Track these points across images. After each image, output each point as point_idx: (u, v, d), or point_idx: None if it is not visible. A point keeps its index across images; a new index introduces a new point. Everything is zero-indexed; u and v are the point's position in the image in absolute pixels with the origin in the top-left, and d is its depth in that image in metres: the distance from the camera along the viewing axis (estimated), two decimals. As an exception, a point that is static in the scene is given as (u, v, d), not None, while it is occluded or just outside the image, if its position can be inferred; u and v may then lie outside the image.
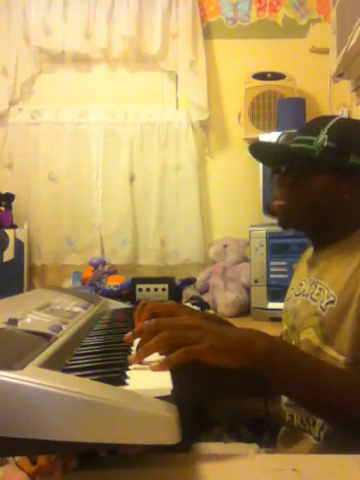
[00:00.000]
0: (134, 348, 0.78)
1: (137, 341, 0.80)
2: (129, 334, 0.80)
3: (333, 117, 0.96)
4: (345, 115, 2.03)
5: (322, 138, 0.91)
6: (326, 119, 0.95)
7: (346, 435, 0.77)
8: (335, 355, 0.83)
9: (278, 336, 1.03)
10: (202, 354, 0.68)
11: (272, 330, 1.05)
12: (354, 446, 0.67)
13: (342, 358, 0.81)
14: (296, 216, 0.97)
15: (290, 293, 1.06)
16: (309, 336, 0.89)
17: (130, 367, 0.67)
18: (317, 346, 0.86)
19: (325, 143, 0.90)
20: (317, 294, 0.91)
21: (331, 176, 0.92)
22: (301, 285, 1.00)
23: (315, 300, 0.91)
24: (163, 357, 0.68)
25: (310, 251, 1.05)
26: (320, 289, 0.91)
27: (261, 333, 0.74)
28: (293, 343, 0.95)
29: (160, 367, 0.65)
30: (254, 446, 1.03)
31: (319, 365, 0.77)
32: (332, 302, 0.86)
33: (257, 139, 2.01)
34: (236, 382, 0.95)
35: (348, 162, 0.89)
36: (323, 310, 0.87)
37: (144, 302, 1.02)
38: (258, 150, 1.03)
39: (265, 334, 0.74)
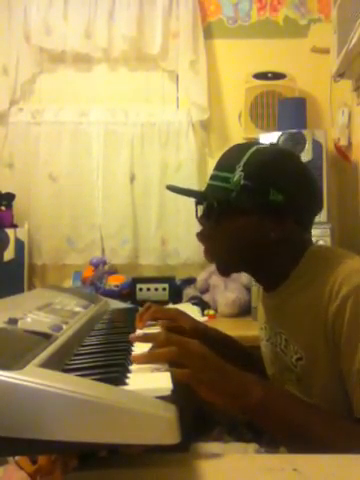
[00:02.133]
0: (134, 348, 0.79)
1: (138, 343, 0.80)
2: (136, 336, 0.80)
3: (249, 148, 0.88)
4: (346, 115, 2.03)
5: (238, 175, 0.85)
6: (241, 151, 0.88)
7: None
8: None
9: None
10: (200, 386, 0.69)
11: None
12: None
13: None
14: (222, 258, 0.92)
15: (261, 332, 1.02)
16: (293, 390, 0.88)
17: (130, 367, 0.67)
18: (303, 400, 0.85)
19: (241, 181, 0.85)
20: (285, 346, 0.88)
21: (252, 215, 0.86)
22: (265, 329, 0.97)
23: (285, 353, 0.88)
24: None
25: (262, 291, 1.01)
26: (286, 340, 0.88)
27: (258, 381, 0.74)
28: None
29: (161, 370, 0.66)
30: (254, 446, 1.03)
31: (312, 414, 0.76)
32: (301, 359, 0.84)
33: (256, 138, 2.01)
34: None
35: (268, 199, 0.84)
36: (295, 366, 0.85)
37: (148, 305, 1.02)
38: (176, 191, 0.98)
39: (261, 382, 0.74)
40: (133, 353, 0.72)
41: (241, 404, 0.72)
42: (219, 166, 0.92)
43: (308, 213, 0.91)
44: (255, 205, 0.85)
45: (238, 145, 0.95)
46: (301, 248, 0.90)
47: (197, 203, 0.96)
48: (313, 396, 0.83)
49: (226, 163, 0.90)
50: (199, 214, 0.95)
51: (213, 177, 0.92)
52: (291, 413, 0.75)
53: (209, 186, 0.93)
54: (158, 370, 0.66)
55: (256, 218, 0.86)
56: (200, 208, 0.95)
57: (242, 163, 0.86)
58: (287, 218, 0.86)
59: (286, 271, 0.89)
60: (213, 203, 0.89)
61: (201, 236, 0.94)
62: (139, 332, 0.92)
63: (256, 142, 0.91)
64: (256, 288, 1.90)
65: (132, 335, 0.81)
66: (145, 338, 0.78)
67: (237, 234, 0.88)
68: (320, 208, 0.94)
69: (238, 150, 0.91)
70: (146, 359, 0.69)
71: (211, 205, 0.89)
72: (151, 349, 0.72)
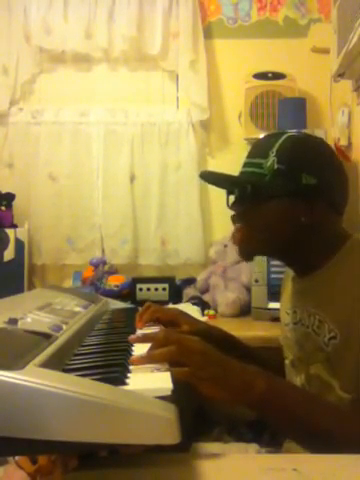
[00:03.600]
0: (135, 349, 0.79)
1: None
2: (135, 336, 0.80)
3: (281, 135, 0.91)
4: (346, 115, 2.03)
5: (271, 161, 0.87)
6: (274, 138, 0.91)
7: None
8: (340, 392, 0.82)
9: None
10: (201, 383, 0.69)
11: (272, 330, 1.05)
12: None
13: (346, 396, 0.80)
14: (255, 245, 0.93)
15: (286, 318, 1.02)
16: (319, 371, 0.87)
17: (130, 367, 0.67)
18: (327, 381, 0.85)
19: (275, 166, 0.87)
20: (318, 327, 0.88)
21: (285, 199, 0.88)
22: (295, 313, 0.97)
23: (317, 334, 0.88)
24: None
25: (292, 275, 1.01)
26: (320, 321, 0.87)
27: (260, 373, 0.74)
28: (303, 375, 0.93)
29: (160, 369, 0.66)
30: (254, 446, 1.03)
31: (315, 405, 0.76)
32: (334, 338, 0.83)
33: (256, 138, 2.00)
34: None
35: (300, 183, 0.86)
36: (326, 345, 0.85)
37: (148, 304, 1.02)
38: (208, 179, 0.99)
39: (264, 374, 0.74)
40: (132, 356, 0.72)
41: (244, 398, 0.72)
42: (252, 154, 0.94)
43: (340, 198, 0.92)
44: (288, 189, 0.87)
45: (270, 134, 0.98)
46: (338, 234, 0.91)
47: (229, 193, 0.97)
48: (340, 376, 0.83)
49: (259, 150, 0.92)
50: (231, 202, 0.96)
51: (246, 164, 0.93)
52: (295, 405, 0.75)
53: (242, 173, 0.94)
54: (158, 370, 0.66)
55: (289, 202, 0.88)
56: (231, 198, 0.96)
57: (275, 149, 0.88)
58: (319, 203, 0.87)
59: (322, 257, 0.89)
60: (247, 187, 0.90)
61: (234, 219, 0.95)
62: (138, 333, 0.92)
63: (288, 130, 0.93)
64: (256, 288, 1.90)
65: (131, 336, 0.81)
66: (144, 338, 0.79)
67: (270, 218, 0.89)
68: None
69: (270, 138, 0.93)
70: (145, 361, 0.69)
71: (244, 189, 0.90)
72: (150, 349, 0.72)
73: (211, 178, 1.00)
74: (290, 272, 1.03)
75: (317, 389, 0.88)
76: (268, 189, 0.88)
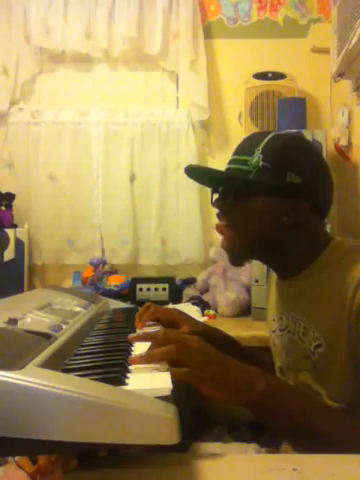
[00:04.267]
0: (135, 349, 0.79)
1: (138, 343, 0.80)
2: (134, 335, 0.80)
3: (267, 134, 0.91)
4: (346, 115, 2.03)
5: (257, 158, 0.87)
6: (260, 137, 0.91)
7: None
8: (328, 402, 0.82)
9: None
10: (200, 383, 0.69)
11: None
12: None
13: (335, 405, 0.80)
14: (240, 244, 0.92)
15: (272, 325, 1.02)
16: (306, 379, 0.88)
17: (130, 367, 0.67)
18: (316, 390, 0.85)
19: (260, 163, 0.86)
20: (303, 334, 0.88)
21: (269, 197, 0.87)
22: (281, 319, 0.97)
23: (303, 341, 0.88)
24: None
25: (276, 279, 1.00)
26: (305, 328, 0.87)
27: (260, 373, 0.74)
28: (291, 382, 0.93)
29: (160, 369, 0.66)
30: (253, 445, 1.03)
31: (313, 407, 0.76)
32: (320, 346, 0.83)
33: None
34: None
35: (285, 182, 0.85)
36: (313, 354, 0.85)
37: (148, 304, 1.02)
38: (193, 173, 0.98)
39: (264, 374, 0.74)
40: (131, 355, 0.72)
41: (244, 398, 0.71)
42: (237, 151, 0.93)
43: (324, 199, 0.91)
44: (272, 186, 0.87)
45: (256, 132, 0.97)
46: (320, 237, 0.90)
47: (213, 191, 0.96)
48: (328, 385, 0.83)
49: (245, 147, 0.92)
50: (214, 199, 0.95)
51: (231, 161, 0.93)
52: (293, 405, 0.75)
53: (227, 170, 0.94)
54: (158, 370, 0.66)
55: (272, 200, 0.87)
56: (216, 196, 0.95)
57: (261, 147, 0.88)
58: (302, 203, 0.87)
59: (305, 259, 0.89)
60: (231, 183, 0.90)
61: (219, 216, 0.95)
62: (138, 332, 0.92)
63: (274, 131, 0.92)
64: (256, 288, 1.90)
65: (130, 335, 0.81)
66: (143, 337, 0.79)
67: (253, 215, 0.89)
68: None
69: (256, 136, 0.93)
70: (145, 360, 0.68)
71: (228, 186, 0.90)
72: (150, 349, 0.72)
73: (195, 174, 0.99)
74: (274, 276, 1.02)
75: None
76: (252, 186, 0.88)
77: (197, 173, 1.00)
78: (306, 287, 0.89)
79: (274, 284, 1.02)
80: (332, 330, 0.81)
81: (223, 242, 0.94)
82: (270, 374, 0.76)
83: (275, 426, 0.79)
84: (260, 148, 0.87)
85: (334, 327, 0.80)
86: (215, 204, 0.94)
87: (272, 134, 0.90)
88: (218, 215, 0.95)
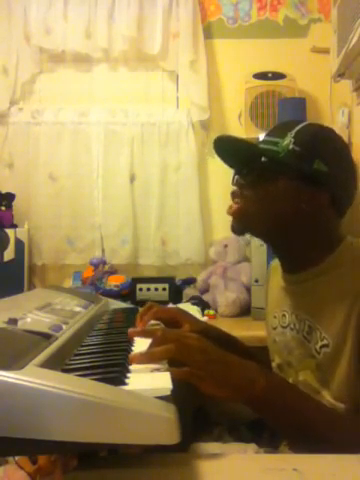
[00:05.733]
0: (134, 348, 0.79)
1: (138, 341, 0.80)
2: (134, 330, 0.80)
3: (302, 121, 0.92)
4: (346, 115, 2.03)
5: (288, 141, 0.88)
6: (295, 123, 0.92)
7: None
8: (332, 401, 0.81)
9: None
10: (200, 382, 0.69)
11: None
12: None
13: (341, 405, 0.80)
14: (250, 219, 0.92)
15: (273, 321, 1.01)
16: (307, 378, 0.88)
17: (130, 367, 0.67)
18: (316, 389, 0.85)
19: (290, 146, 0.87)
20: (308, 333, 0.88)
21: (292, 181, 0.88)
22: (284, 316, 0.96)
23: (308, 340, 0.88)
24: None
25: (280, 271, 1.00)
26: (310, 327, 0.87)
27: (260, 370, 0.74)
28: (290, 380, 0.93)
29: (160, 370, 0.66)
30: (253, 446, 1.03)
31: (313, 405, 0.77)
32: (326, 346, 0.83)
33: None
34: None
35: (312, 168, 0.86)
36: (318, 353, 0.85)
37: (149, 304, 1.02)
38: (223, 145, 0.97)
39: (264, 371, 0.75)
40: (131, 353, 0.72)
41: (245, 395, 0.71)
42: (270, 133, 0.94)
43: (344, 195, 0.91)
44: (299, 170, 0.87)
45: (292, 120, 0.99)
46: (333, 234, 0.90)
47: (237, 172, 0.96)
48: (332, 385, 0.82)
49: (278, 130, 0.93)
50: (237, 175, 0.95)
51: (262, 142, 0.93)
52: (293, 402, 0.75)
53: (254, 146, 0.94)
54: (158, 370, 0.66)
55: (295, 185, 0.88)
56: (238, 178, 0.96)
57: (294, 131, 0.89)
58: (324, 193, 0.87)
59: (315, 254, 0.88)
60: (258, 159, 0.90)
61: (235, 194, 0.95)
62: (138, 328, 0.92)
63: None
64: (256, 288, 1.90)
65: (130, 330, 0.81)
66: (143, 333, 0.79)
67: (272, 194, 0.89)
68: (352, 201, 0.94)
69: (291, 122, 0.94)
70: (144, 359, 0.68)
71: (255, 162, 0.90)
72: (149, 348, 0.72)
73: (224, 148, 0.97)
74: (277, 268, 1.01)
75: None
76: (279, 166, 0.88)
77: (225, 148, 0.97)
78: (313, 286, 0.88)
79: (275, 278, 1.01)
80: (340, 332, 0.80)
81: (233, 209, 0.94)
82: (270, 371, 0.76)
83: (274, 423, 0.79)
84: (293, 132, 0.88)
85: (342, 329, 0.80)
86: (237, 180, 0.95)
87: (307, 122, 0.92)
88: (234, 193, 0.95)
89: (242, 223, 0.94)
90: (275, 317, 1.00)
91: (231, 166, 0.99)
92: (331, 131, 0.94)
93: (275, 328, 1.00)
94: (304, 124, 0.91)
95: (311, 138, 0.88)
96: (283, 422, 0.75)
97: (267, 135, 0.94)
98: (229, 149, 0.97)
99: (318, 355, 0.84)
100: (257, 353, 1.10)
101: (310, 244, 0.89)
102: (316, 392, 0.84)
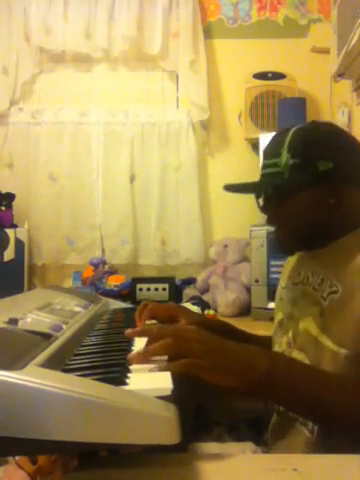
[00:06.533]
0: (134, 348, 0.79)
1: (138, 341, 0.81)
2: (131, 330, 0.81)
3: (289, 130, 0.93)
4: (346, 115, 2.03)
5: (285, 158, 0.89)
6: (283, 135, 0.93)
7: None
8: (334, 347, 0.81)
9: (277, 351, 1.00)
10: (202, 371, 0.68)
11: (271, 329, 1.05)
12: (347, 445, 0.68)
13: (342, 351, 0.80)
14: (294, 238, 0.95)
15: (286, 281, 1.04)
16: (308, 326, 0.88)
17: (130, 367, 0.67)
18: (315, 336, 0.85)
19: (289, 161, 0.89)
20: (319, 284, 0.89)
21: (309, 190, 0.90)
22: (299, 274, 0.98)
23: (316, 290, 0.89)
24: (164, 358, 0.69)
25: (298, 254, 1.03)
26: (322, 279, 0.89)
27: (262, 352, 0.74)
28: (290, 333, 0.94)
29: (159, 370, 0.66)
30: (250, 445, 1.03)
31: (318, 378, 0.76)
32: (335, 292, 0.84)
33: (258, 138, 2.01)
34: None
35: (318, 171, 0.87)
36: (324, 300, 0.86)
37: (145, 303, 1.02)
38: (233, 191, 1.00)
39: (265, 353, 0.75)
40: (130, 353, 0.72)
41: (247, 380, 0.71)
42: (266, 155, 0.96)
43: (357, 173, 0.93)
44: (308, 179, 0.89)
45: (277, 133, 1.00)
46: (358, 209, 0.93)
47: (257, 197, 0.99)
48: (332, 331, 0.83)
49: (271, 150, 0.95)
50: (260, 205, 0.98)
51: (263, 167, 0.96)
52: (300, 383, 0.74)
53: (262, 176, 0.96)
54: (158, 368, 0.66)
55: (313, 191, 0.90)
56: (261, 201, 0.99)
57: (286, 145, 0.90)
58: (340, 182, 0.89)
59: (340, 233, 0.91)
60: (268, 189, 0.93)
61: (271, 222, 0.98)
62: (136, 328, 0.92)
63: (293, 125, 0.95)
64: (256, 288, 1.90)
65: (127, 330, 0.81)
66: (140, 332, 0.79)
67: (300, 211, 0.91)
68: None
69: (279, 136, 0.95)
70: (142, 356, 0.68)
71: (267, 192, 0.94)
72: (146, 345, 0.72)
73: (234, 189, 1.01)
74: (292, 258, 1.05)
75: (302, 345, 0.89)
76: (289, 185, 0.90)
77: (236, 192, 1.02)
78: (334, 249, 0.91)
79: (294, 258, 1.05)
80: (351, 278, 0.82)
81: (277, 239, 0.97)
82: (272, 352, 0.76)
83: (282, 402, 0.78)
84: (285, 147, 0.90)
85: (353, 275, 0.82)
86: (263, 211, 0.98)
87: (293, 129, 0.93)
88: (268, 220, 0.98)
89: (290, 245, 0.97)
90: (290, 277, 1.03)
91: (249, 193, 1.03)
92: (318, 125, 0.96)
93: (285, 287, 1.03)
94: (291, 133, 0.91)
95: (304, 144, 0.90)
96: (291, 401, 0.75)
97: (265, 158, 0.96)
98: (239, 192, 1.02)
99: (324, 301, 0.86)
100: (259, 338, 1.11)
101: (345, 226, 0.92)
102: (314, 340, 0.85)
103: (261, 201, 0.97)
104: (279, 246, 0.99)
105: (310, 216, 0.91)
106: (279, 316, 1.03)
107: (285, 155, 0.89)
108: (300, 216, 0.92)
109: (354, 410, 0.71)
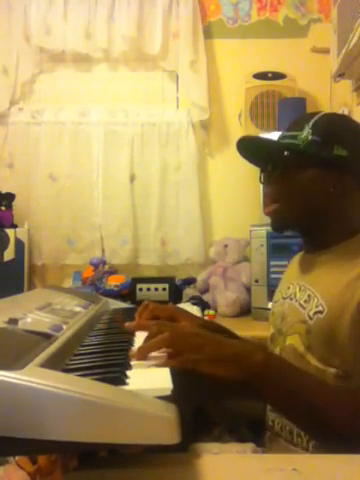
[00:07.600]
0: (134, 347, 0.79)
1: (138, 340, 0.81)
2: (131, 323, 0.82)
3: (318, 113, 0.96)
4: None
5: (306, 132, 0.92)
6: (311, 115, 0.96)
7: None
8: (320, 366, 0.82)
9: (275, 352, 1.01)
10: (199, 364, 0.70)
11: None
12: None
13: (331, 370, 0.81)
14: (288, 214, 0.96)
15: (278, 296, 1.05)
16: (294, 342, 0.89)
17: (131, 363, 0.67)
18: (301, 353, 0.86)
19: (309, 137, 0.91)
20: (306, 301, 0.90)
21: (317, 169, 0.92)
22: (288, 289, 0.99)
23: (304, 307, 0.89)
24: (163, 354, 0.70)
25: (301, 254, 1.04)
26: (309, 296, 0.89)
27: (258, 346, 0.76)
28: (278, 348, 0.95)
29: (158, 364, 0.67)
30: (251, 445, 1.03)
31: (312, 383, 0.77)
32: (321, 312, 0.84)
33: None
34: (236, 382, 0.95)
35: (332, 154, 0.90)
36: (310, 319, 0.86)
37: (146, 303, 1.03)
38: (245, 144, 1.01)
39: (262, 348, 0.77)
40: (130, 351, 0.73)
41: (244, 365, 0.72)
42: (289, 128, 0.98)
43: None
44: (320, 158, 0.91)
45: (308, 112, 1.03)
46: (358, 220, 0.94)
47: (262, 170, 1.00)
48: (317, 350, 0.83)
49: (296, 124, 0.97)
50: (265, 173, 0.99)
51: (282, 137, 0.98)
52: (297, 386, 0.75)
53: (275, 142, 0.99)
54: (157, 365, 0.66)
55: (320, 172, 0.91)
56: (266, 171, 1.00)
57: (311, 123, 0.93)
58: (348, 174, 0.91)
59: (340, 234, 0.92)
60: (281, 154, 0.94)
61: (267, 195, 0.99)
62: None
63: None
64: (256, 288, 1.90)
65: (127, 323, 0.82)
66: (139, 326, 0.81)
67: (301, 185, 0.93)
68: None
69: (307, 114, 0.99)
70: (142, 352, 0.70)
71: (278, 157, 0.94)
72: (145, 341, 0.73)
73: (246, 148, 1.02)
74: (297, 256, 1.05)
75: (289, 360, 0.88)
76: (301, 157, 0.92)
77: (248, 147, 1.02)
78: (325, 261, 0.92)
79: (295, 263, 1.05)
80: (337, 298, 0.82)
81: (270, 209, 0.97)
82: (270, 350, 0.77)
83: (275, 400, 0.78)
84: (310, 124, 0.92)
85: (340, 296, 0.82)
86: (264, 178, 0.99)
87: (323, 113, 0.96)
88: (265, 190, 0.99)
89: (281, 220, 0.98)
90: (280, 291, 1.04)
91: (256, 164, 1.03)
92: (346, 117, 1.00)
93: (276, 301, 1.04)
94: (320, 115, 0.94)
95: (328, 126, 0.92)
96: (283, 400, 0.75)
97: (286, 130, 0.98)
98: (252, 148, 1.01)
99: (310, 320, 0.86)
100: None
101: (341, 221, 0.93)
102: (301, 356, 0.86)
103: (268, 168, 0.98)
104: (272, 221, 0.98)
105: (308, 196, 0.93)
106: (271, 330, 1.03)
107: (307, 130, 0.92)
108: (299, 193, 0.93)
109: (352, 424, 0.71)
